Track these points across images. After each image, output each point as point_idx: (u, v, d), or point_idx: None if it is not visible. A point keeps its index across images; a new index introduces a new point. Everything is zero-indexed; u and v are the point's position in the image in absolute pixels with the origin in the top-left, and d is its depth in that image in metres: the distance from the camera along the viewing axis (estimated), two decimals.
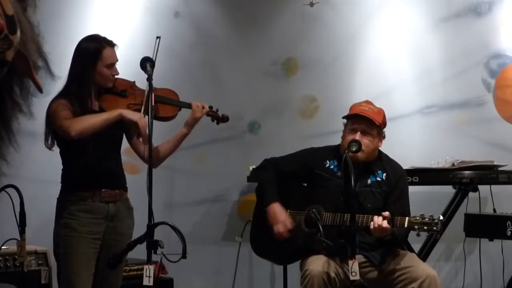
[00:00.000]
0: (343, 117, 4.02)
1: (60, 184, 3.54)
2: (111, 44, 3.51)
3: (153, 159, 3.60)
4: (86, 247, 3.43)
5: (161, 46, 4.99)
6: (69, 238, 3.43)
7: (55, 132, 3.44)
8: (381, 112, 3.99)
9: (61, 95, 3.43)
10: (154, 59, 3.52)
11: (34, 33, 1.22)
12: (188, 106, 3.66)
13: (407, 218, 3.66)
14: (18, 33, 1.16)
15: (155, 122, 3.57)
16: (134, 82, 3.64)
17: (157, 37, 3.61)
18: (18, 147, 1.26)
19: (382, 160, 4.03)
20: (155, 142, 3.60)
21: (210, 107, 3.73)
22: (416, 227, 3.64)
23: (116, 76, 3.56)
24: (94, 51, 3.45)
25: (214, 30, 5.35)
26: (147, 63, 3.47)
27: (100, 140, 3.42)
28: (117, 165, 3.59)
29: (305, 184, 4.13)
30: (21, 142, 1.29)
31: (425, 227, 3.64)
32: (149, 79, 3.42)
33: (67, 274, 3.45)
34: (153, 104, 3.36)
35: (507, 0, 5.47)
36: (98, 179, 3.46)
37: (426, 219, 3.63)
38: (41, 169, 4.27)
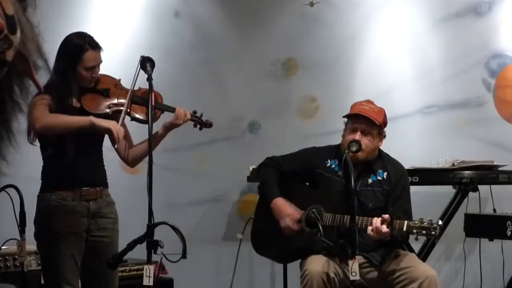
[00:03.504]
0: (344, 116, 4.03)
1: (41, 181, 3.49)
2: (94, 47, 3.41)
3: (129, 158, 3.62)
4: (68, 247, 3.39)
5: (161, 46, 5.01)
6: (50, 241, 3.40)
7: None
8: (381, 111, 3.99)
9: (45, 89, 3.38)
10: (135, 78, 3.49)
11: (34, 33, 1.22)
12: (172, 110, 3.58)
13: (406, 222, 3.64)
14: (18, 33, 1.16)
15: (133, 123, 3.56)
16: (119, 80, 3.59)
17: (141, 56, 3.55)
18: (18, 147, 1.26)
19: (383, 159, 4.03)
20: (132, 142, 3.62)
21: (194, 112, 3.66)
22: (414, 231, 3.62)
23: (101, 73, 3.51)
24: (75, 51, 3.38)
25: (214, 30, 5.35)
26: (147, 63, 3.46)
27: (79, 137, 3.39)
28: (98, 162, 3.54)
29: (307, 184, 4.13)
30: (21, 142, 1.29)
31: (423, 232, 3.62)
32: (149, 79, 3.40)
33: (52, 275, 3.43)
34: (152, 103, 3.35)
35: (507, 0, 5.47)
36: (78, 178, 3.41)
37: (425, 223, 3.62)
38: (41, 169, 4.27)
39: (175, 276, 4.55)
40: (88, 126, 3.33)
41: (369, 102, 4.03)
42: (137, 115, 3.54)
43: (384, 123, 4.00)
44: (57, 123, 3.32)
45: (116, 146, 3.49)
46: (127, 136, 3.63)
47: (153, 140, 3.47)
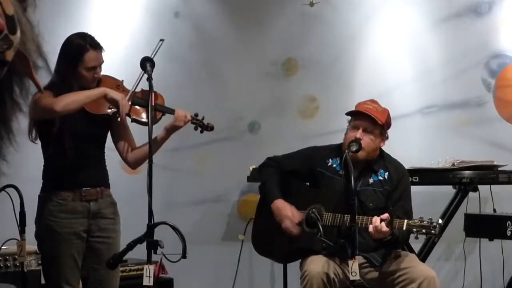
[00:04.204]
0: (346, 113, 4.02)
1: (42, 181, 3.50)
2: (95, 47, 3.42)
3: (131, 160, 3.63)
4: (68, 248, 3.39)
5: (161, 46, 5.00)
6: (51, 241, 3.40)
7: (37, 123, 3.37)
8: (385, 112, 3.99)
9: (46, 88, 3.38)
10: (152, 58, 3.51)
11: (34, 33, 1.22)
12: (171, 112, 3.57)
13: (405, 221, 3.64)
14: (18, 33, 1.16)
15: (135, 125, 3.56)
16: (122, 81, 3.60)
17: (161, 40, 3.58)
18: (18, 147, 1.26)
19: (384, 159, 4.02)
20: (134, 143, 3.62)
21: (196, 115, 3.64)
22: (414, 230, 3.62)
23: (103, 74, 3.52)
24: (76, 52, 3.39)
25: (214, 30, 5.35)
26: (147, 63, 3.46)
27: (80, 138, 3.40)
28: (98, 162, 3.54)
29: (308, 184, 4.13)
30: (21, 142, 1.29)
31: (423, 230, 3.62)
32: (149, 79, 3.40)
33: (52, 275, 3.44)
34: (153, 104, 3.35)
35: (507, 0, 5.47)
36: (78, 178, 3.42)
37: (424, 222, 3.62)
38: (41, 169, 4.27)
39: (175, 276, 4.55)
40: (101, 95, 3.40)
41: (373, 101, 4.02)
42: (137, 117, 3.54)
43: (388, 124, 3.99)
44: (74, 100, 3.35)
45: (119, 120, 3.45)
46: (128, 137, 3.63)
47: (155, 143, 3.50)
